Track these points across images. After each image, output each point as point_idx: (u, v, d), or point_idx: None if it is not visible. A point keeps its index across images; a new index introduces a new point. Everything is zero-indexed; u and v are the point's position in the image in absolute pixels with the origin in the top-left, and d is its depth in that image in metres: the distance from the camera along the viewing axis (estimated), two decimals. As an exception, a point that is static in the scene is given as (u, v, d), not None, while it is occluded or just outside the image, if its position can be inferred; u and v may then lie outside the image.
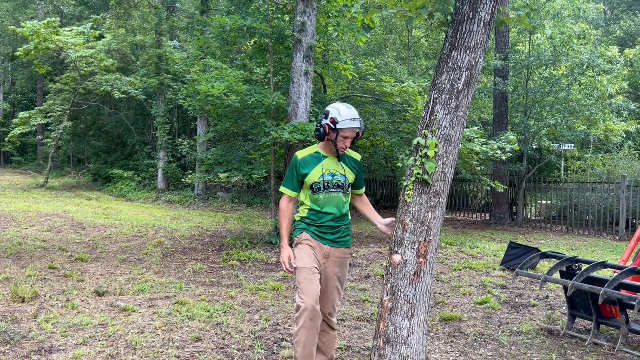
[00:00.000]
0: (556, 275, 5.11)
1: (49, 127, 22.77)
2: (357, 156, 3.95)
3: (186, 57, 18.58)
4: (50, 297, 5.85)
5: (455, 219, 16.18)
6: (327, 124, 3.70)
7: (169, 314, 5.33)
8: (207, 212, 15.34)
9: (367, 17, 4.97)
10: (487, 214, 16.00)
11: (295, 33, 9.45)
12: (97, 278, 6.89)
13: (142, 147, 22.39)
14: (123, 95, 20.04)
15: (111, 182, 21.45)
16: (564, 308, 5.98)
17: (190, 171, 18.70)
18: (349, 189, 3.88)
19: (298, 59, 9.46)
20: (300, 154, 3.85)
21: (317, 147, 3.86)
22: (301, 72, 9.43)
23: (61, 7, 27.72)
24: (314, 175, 3.77)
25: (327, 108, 3.78)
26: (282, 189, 3.83)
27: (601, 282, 4.63)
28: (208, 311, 5.42)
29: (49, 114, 22.09)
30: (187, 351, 4.35)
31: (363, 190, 4.02)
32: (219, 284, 6.84)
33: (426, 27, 17.81)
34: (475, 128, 11.32)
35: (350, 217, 3.89)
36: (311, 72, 9.65)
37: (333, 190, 3.77)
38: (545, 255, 5.22)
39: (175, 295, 6.07)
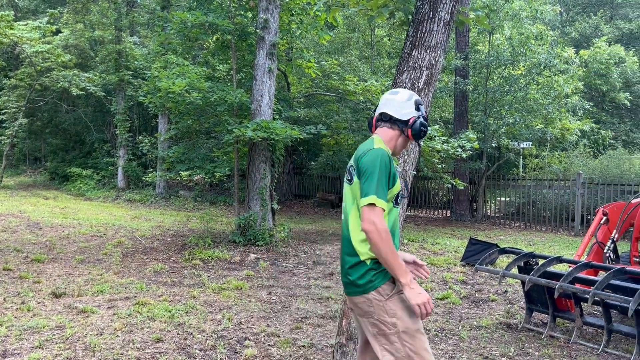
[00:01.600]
0: (514, 270, 5.24)
1: (4, 125, 21.98)
2: None
3: (147, 53, 18.24)
4: (4, 299, 5.66)
5: (417, 216, 16.40)
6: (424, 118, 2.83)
7: (129, 315, 5.23)
8: (169, 211, 15.10)
9: (330, 15, 4.98)
10: (449, 211, 16.27)
11: (258, 30, 9.39)
12: (55, 279, 6.70)
13: (102, 145, 21.88)
14: (81, 92, 19.53)
15: (69, 180, 20.88)
16: (522, 302, 6.13)
17: (152, 169, 18.37)
18: None
19: (261, 57, 9.41)
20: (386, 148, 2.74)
21: (382, 142, 2.78)
22: (264, 70, 9.38)
23: (16, 0, 26.79)
24: (399, 182, 2.75)
25: (412, 95, 2.86)
26: (374, 199, 2.50)
27: (557, 276, 4.77)
28: (169, 311, 5.34)
29: (3, 111, 21.35)
30: (147, 352, 4.28)
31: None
32: (181, 284, 6.75)
33: (389, 26, 17.95)
34: (437, 127, 11.50)
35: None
36: (274, 69, 9.61)
37: (399, 203, 2.81)
38: (504, 251, 5.34)
39: (135, 296, 5.96)
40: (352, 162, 2.71)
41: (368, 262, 2.56)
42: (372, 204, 2.48)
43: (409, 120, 2.77)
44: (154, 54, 13.77)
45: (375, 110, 2.87)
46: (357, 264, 2.57)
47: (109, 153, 21.47)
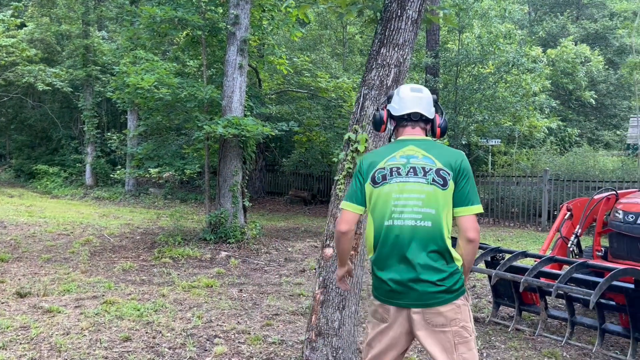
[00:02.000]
0: (481, 265, 5.33)
1: (-34, 121, 21.41)
2: None
3: (115, 48, 17.90)
4: (-35, 300, 5.51)
5: (389, 213, 16.50)
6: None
7: (96, 314, 5.14)
8: (138, 209, 14.89)
9: (300, 11, 4.98)
10: (420, 208, 16.42)
11: (229, 26, 9.32)
12: (19, 279, 6.55)
13: (69, 142, 21.44)
14: (48, 88, 19.07)
15: (35, 178, 20.39)
16: (489, 297, 6.24)
17: (120, 167, 18.07)
18: None
19: (232, 53, 9.34)
20: None
21: None
22: (235, 66, 9.32)
23: (-22, -8, 26.00)
24: None
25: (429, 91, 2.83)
26: (480, 209, 2.57)
27: (522, 271, 4.87)
28: (138, 310, 5.27)
29: (-35, 107, 20.72)
30: (115, 351, 4.22)
31: None
32: (150, 283, 6.67)
33: (361, 23, 18.03)
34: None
35: None
36: (245, 65, 9.55)
37: None
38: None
39: (103, 295, 5.87)
40: (440, 165, 2.56)
41: (460, 267, 2.56)
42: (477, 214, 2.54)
43: (434, 118, 2.77)
44: (122, 49, 13.54)
45: (389, 109, 2.76)
46: (455, 271, 2.52)
47: (76, 150, 21.05)
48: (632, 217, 5.08)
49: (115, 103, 12.16)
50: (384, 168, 2.61)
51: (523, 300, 5.26)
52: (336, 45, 19.66)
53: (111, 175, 16.97)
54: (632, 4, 26.63)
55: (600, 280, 4.25)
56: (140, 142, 13.92)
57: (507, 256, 5.10)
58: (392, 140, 2.82)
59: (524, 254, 5.13)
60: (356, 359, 3.62)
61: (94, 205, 15.69)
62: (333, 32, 19.17)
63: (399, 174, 2.57)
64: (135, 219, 12.50)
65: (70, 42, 20.24)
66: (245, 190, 9.82)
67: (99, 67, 18.76)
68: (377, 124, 2.82)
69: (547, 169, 13.91)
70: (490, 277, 5.06)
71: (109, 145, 18.26)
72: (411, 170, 2.57)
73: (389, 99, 2.81)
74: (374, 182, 2.61)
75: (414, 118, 2.70)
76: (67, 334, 4.55)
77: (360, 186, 2.64)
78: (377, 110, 2.85)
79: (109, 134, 18.30)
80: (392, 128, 2.79)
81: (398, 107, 2.74)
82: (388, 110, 2.77)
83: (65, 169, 20.25)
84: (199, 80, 10.11)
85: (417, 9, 3.61)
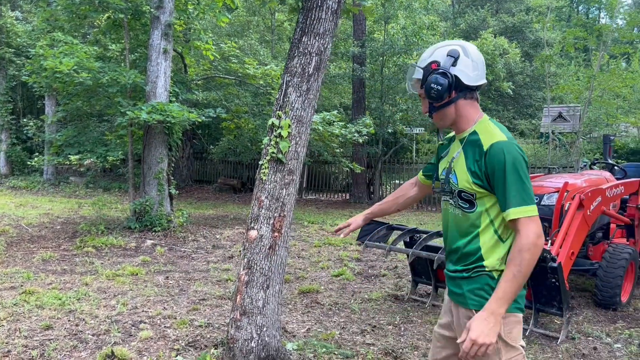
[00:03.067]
0: (400, 245, 5.62)
1: None
2: (488, 139, 2.08)
3: (30, 29, 16.98)
4: None
5: (318, 200, 16.78)
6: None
7: (15, 304, 4.99)
8: (58, 198, 14.30)
9: (225, -2, 5.00)
10: (348, 194, 16.81)
11: (152, 10, 9.12)
12: None
13: (-19, 129, 20.15)
14: (-45, 70, 17.84)
15: (-58, 167, 19.05)
16: (410, 276, 6.57)
17: (38, 154, 17.23)
18: (473, 203, 2.12)
19: (156, 37, 9.15)
20: None
21: None
22: (159, 51, 9.14)
23: None
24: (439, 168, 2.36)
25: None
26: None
27: (436, 250, 5.19)
28: (60, 299, 5.16)
29: None
30: (36, 340, 4.14)
31: (510, 212, 2.00)
32: (72, 272, 6.50)
33: (289, 10, 18.07)
34: (335, 112, 11.82)
35: (492, 261, 2.10)
36: (170, 50, 9.39)
37: (446, 196, 2.27)
38: (391, 228, 5.70)
39: (22, 285, 5.68)
40: None
41: None
42: None
43: None
44: (38, 31, 12.88)
45: (458, 76, 2.13)
46: None
47: (-12, 137, 19.84)
48: (536, 199, 5.51)
49: (32, 88, 11.59)
50: None
51: (439, 277, 5.60)
52: (265, 32, 19.58)
53: (28, 163, 16.16)
54: (545, -1, 28.19)
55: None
56: (60, 129, 13.33)
57: (424, 236, 5.41)
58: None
59: (438, 234, 5.45)
60: (279, 336, 3.76)
61: (9, 195, 14.89)
62: (261, 19, 19.07)
63: None
64: (55, 209, 12.02)
65: (-21, 22, 18.96)
66: (172, 178, 9.69)
67: (13, 50, 17.72)
68: (441, 95, 2.11)
69: (467, 155, 14.57)
70: (408, 256, 5.35)
71: (25, 132, 17.36)
72: None
73: (455, 60, 2.13)
74: None
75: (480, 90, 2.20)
76: (-17, 326, 4.40)
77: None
78: (441, 74, 2.11)
79: (25, 120, 17.38)
80: (450, 101, 2.16)
81: (473, 74, 2.16)
82: (457, 77, 2.13)
83: (-24, 157, 19.05)
84: (122, 64, 9.83)
85: (337, 0, 3.75)
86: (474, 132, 2.14)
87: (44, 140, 16.32)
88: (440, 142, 2.43)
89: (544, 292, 4.59)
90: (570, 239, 4.89)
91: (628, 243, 6.10)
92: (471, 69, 2.15)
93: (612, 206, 5.90)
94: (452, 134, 2.31)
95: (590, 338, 4.63)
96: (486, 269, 2.08)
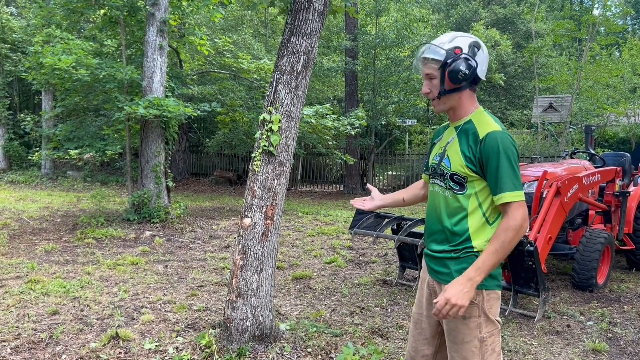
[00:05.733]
0: (388, 231, 5.90)
1: None
2: (484, 129, 2.22)
3: (26, 25, 17.13)
4: None
5: (313, 191, 17.06)
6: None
7: (21, 292, 5.26)
8: (56, 192, 14.54)
9: (218, -2, 5.24)
10: (342, 186, 17.10)
11: (148, 7, 9.33)
12: None
13: (-23, 124, 20.31)
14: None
15: (-60, 162, 19.24)
16: (398, 263, 6.86)
17: (37, 149, 17.44)
18: (464, 186, 2.25)
19: (151, 33, 9.37)
20: None
21: None
22: (155, 47, 9.37)
23: None
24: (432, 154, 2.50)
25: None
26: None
27: (421, 235, 5.47)
28: (64, 287, 5.43)
29: None
30: (44, 324, 4.41)
31: (503, 196, 2.15)
32: (75, 262, 6.77)
33: (279, 12, 18.27)
34: (327, 105, 12.08)
35: (480, 242, 2.22)
36: (166, 46, 9.61)
37: (436, 179, 2.40)
38: (379, 216, 5.98)
39: (27, 275, 5.95)
40: None
41: None
42: None
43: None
44: (34, 27, 13.05)
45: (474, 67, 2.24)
46: None
47: (-14, 132, 20.01)
48: None
49: (29, 83, 11.79)
50: None
51: (425, 263, 5.88)
52: (258, 26, 19.77)
53: (29, 157, 16.38)
54: (537, -10, 28.37)
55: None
56: (57, 124, 13.54)
57: (409, 223, 5.69)
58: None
59: (423, 221, 5.73)
60: (273, 316, 4.04)
61: (8, 189, 15.12)
62: (255, 14, 19.24)
63: None
64: (55, 202, 12.27)
65: (-26, 18, 19.07)
66: (169, 171, 9.95)
67: (9, 46, 17.87)
68: (465, 79, 2.22)
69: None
70: (395, 241, 5.63)
71: (22, 127, 17.55)
72: None
73: (475, 50, 2.24)
74: None
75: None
76: (-7, 311, 4.67)
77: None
78: (469, 60, 2.21)
79: (22, 115, 17.57)
80: (460, 88, 2.28)
81: (484, 68, 2.29)
82: (475, 69, 2.23)
83: (-26, 152, 19.24)
84: (118, 60, 10.04)
85: (323, 2, 3.99)
86: (469, 121, 2.28)
87: (42, 135, 16.52)
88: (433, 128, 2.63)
89: (522, 274, 4.88)
90: (548, 225, 5.18)
91: (605, 228, 6.40)
92: (484, 63, 2.29)
93: (590, 193, 6.20)
94: (447, 123, 2.47)
95: (565, 317, 4.94)
96: (474, 250, 2.21)
